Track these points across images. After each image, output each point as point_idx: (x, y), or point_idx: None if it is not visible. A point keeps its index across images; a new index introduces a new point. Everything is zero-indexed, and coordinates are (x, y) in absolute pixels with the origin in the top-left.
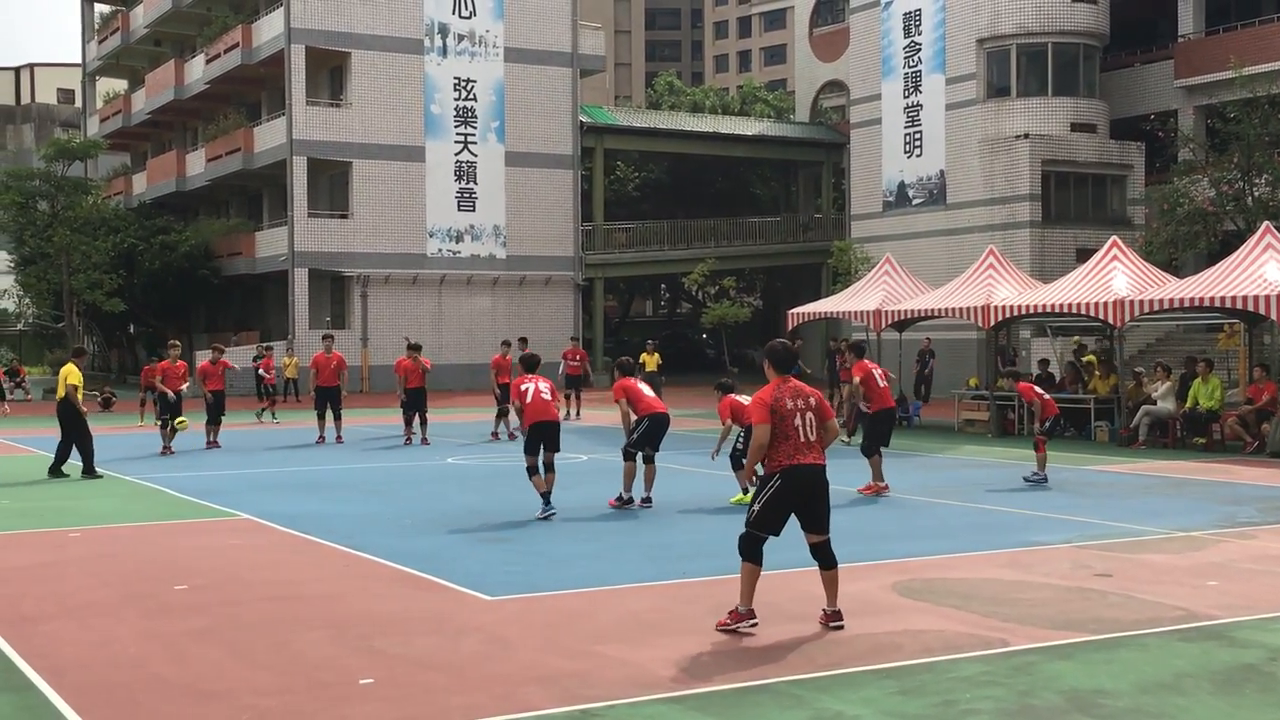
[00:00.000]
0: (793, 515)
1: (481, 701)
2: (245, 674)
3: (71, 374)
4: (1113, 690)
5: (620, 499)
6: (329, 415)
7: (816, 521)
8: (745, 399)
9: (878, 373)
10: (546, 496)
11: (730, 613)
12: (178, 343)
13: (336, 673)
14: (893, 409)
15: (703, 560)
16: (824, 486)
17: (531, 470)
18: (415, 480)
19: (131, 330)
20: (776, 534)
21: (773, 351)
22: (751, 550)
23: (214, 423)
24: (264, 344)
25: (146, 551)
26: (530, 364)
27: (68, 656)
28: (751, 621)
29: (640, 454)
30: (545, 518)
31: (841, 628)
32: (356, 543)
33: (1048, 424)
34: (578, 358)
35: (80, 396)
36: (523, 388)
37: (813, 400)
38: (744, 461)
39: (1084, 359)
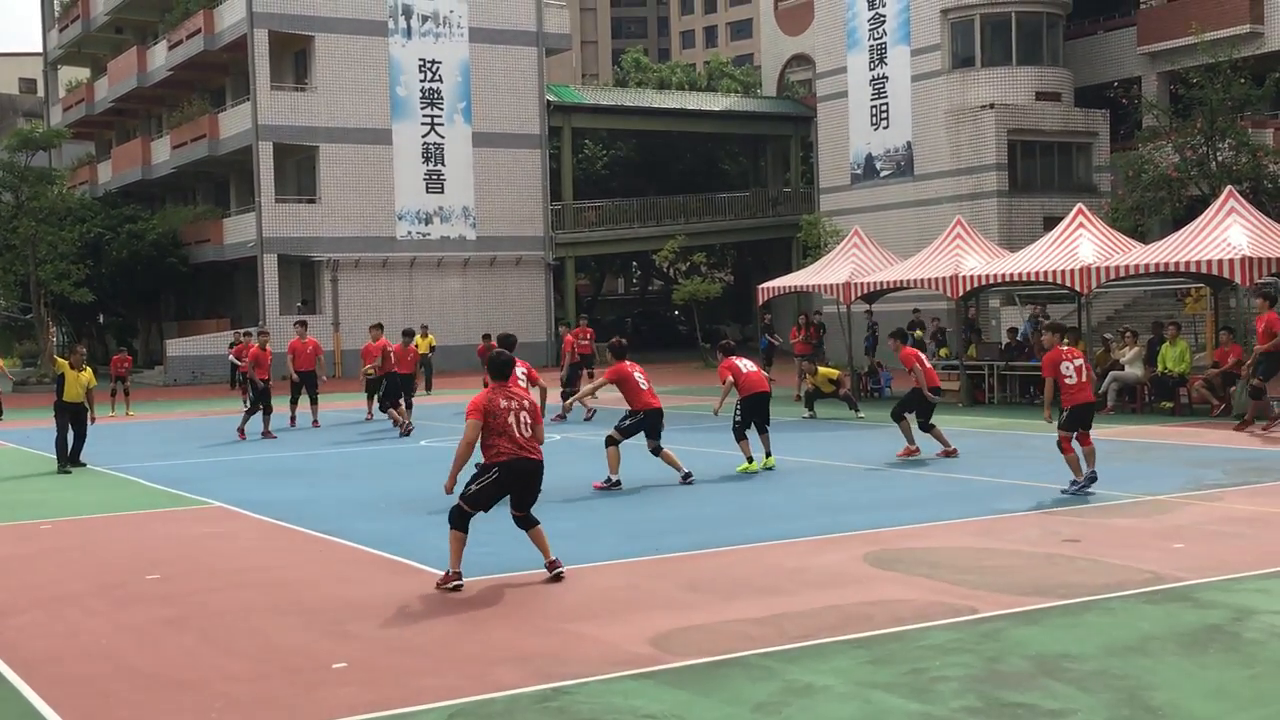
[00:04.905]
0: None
1: (454, 682)
2: (218, 662)
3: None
4: (1079, 654)
5: (608, 481)
6: (303, 400)
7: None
8: (747, 364)
9: (921, 358)
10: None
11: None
12: (268, 331)
13: (309, 658)
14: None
15: (676, 536)
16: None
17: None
18: (388, 464)
19: (101, 320)
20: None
21: (490, 360)
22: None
23: (268, 410)
24: (242, 330)
25: (118, 542)
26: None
27: (39, 649)
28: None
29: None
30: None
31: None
32: (329, 528)
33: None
34: (586, 337)
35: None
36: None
37: (526, 402)
38: (746, 434)
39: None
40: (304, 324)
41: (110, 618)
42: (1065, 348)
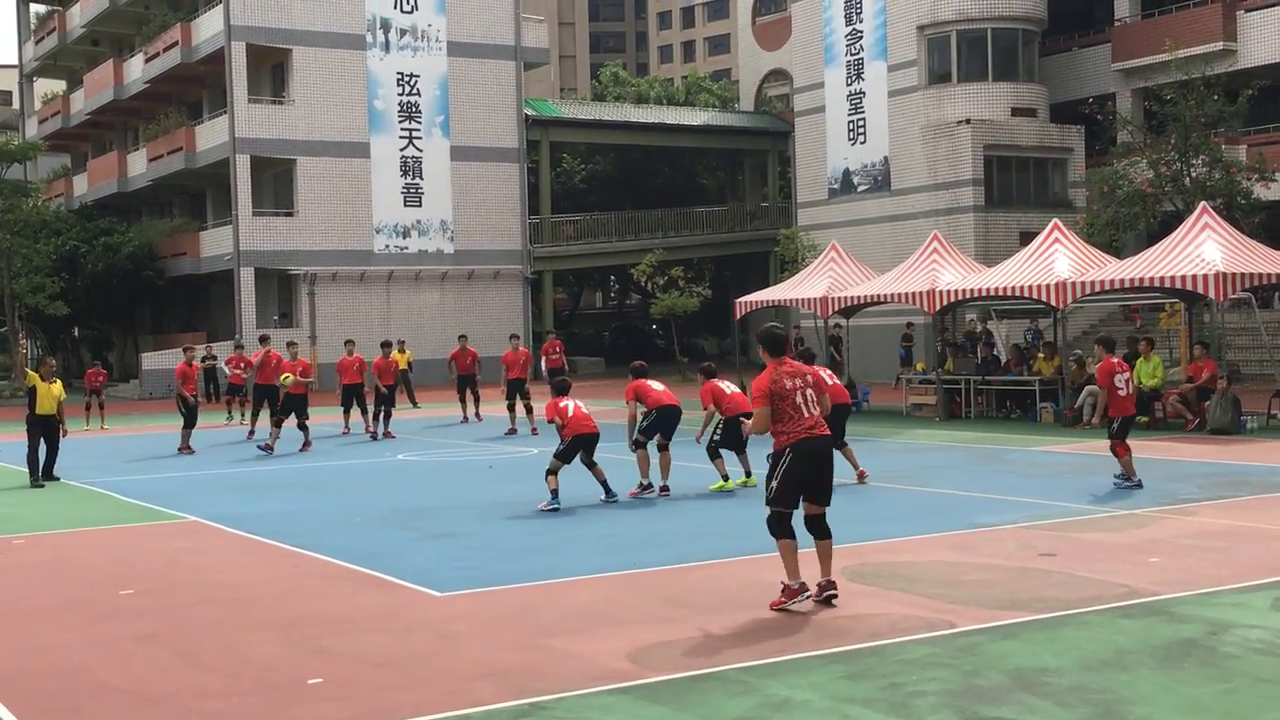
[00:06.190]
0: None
1: (430, 698)
2: (192, 677)
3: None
4: (1056, 668)
5: (641, 486)
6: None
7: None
8: (729, 385)
9: (825, 374)
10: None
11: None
12: (193, 346)
13: (285, 673)
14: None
15: (654, 550)
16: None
17: (552, 472)
18: (365, 478)
19: (76, 333)
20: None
21: (764, 336)
22: (782, 527)
23: (189, 426)
24: (204, 345)
25: (92, 557)
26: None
27: (11, 665)
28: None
29: (652, 442)
30: (551, 509)
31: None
32: (305, 542)
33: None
34: (556, 350)
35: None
36: (562, 405)
37: (810, 377)
38: (721, 452)
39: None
40: (267, 338)
41: (83, 633)
42: (1116, 360)
